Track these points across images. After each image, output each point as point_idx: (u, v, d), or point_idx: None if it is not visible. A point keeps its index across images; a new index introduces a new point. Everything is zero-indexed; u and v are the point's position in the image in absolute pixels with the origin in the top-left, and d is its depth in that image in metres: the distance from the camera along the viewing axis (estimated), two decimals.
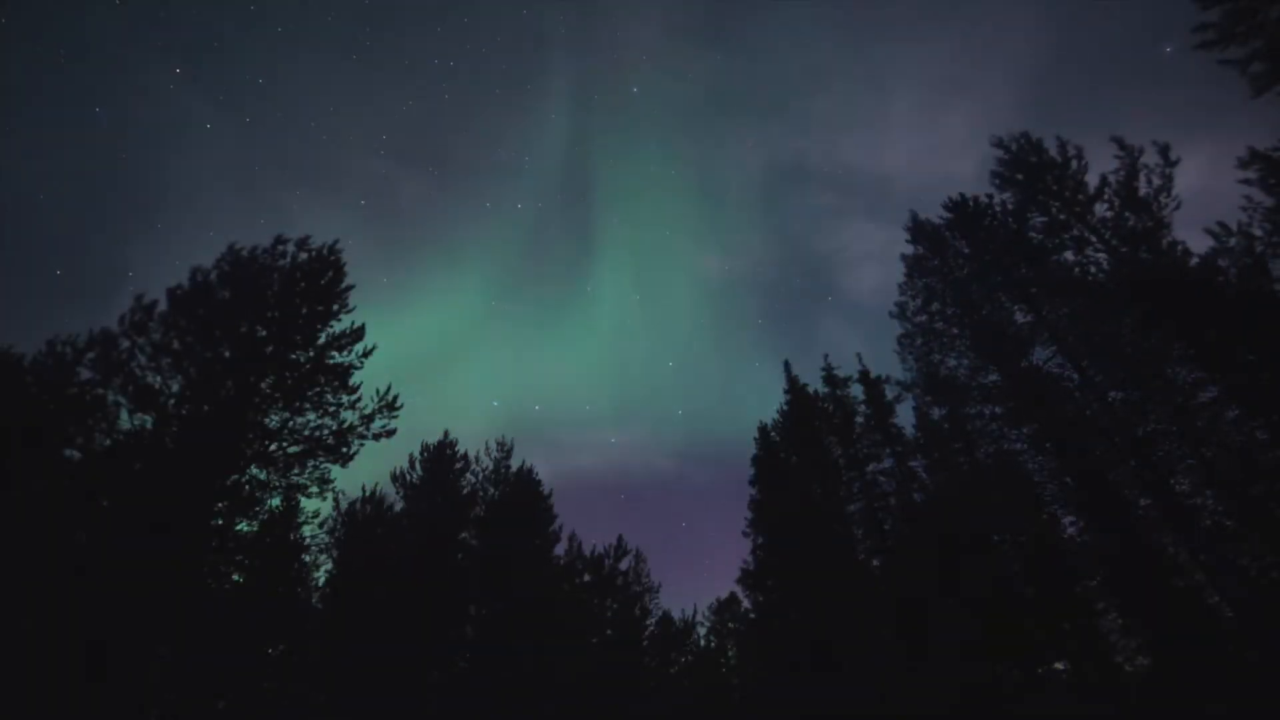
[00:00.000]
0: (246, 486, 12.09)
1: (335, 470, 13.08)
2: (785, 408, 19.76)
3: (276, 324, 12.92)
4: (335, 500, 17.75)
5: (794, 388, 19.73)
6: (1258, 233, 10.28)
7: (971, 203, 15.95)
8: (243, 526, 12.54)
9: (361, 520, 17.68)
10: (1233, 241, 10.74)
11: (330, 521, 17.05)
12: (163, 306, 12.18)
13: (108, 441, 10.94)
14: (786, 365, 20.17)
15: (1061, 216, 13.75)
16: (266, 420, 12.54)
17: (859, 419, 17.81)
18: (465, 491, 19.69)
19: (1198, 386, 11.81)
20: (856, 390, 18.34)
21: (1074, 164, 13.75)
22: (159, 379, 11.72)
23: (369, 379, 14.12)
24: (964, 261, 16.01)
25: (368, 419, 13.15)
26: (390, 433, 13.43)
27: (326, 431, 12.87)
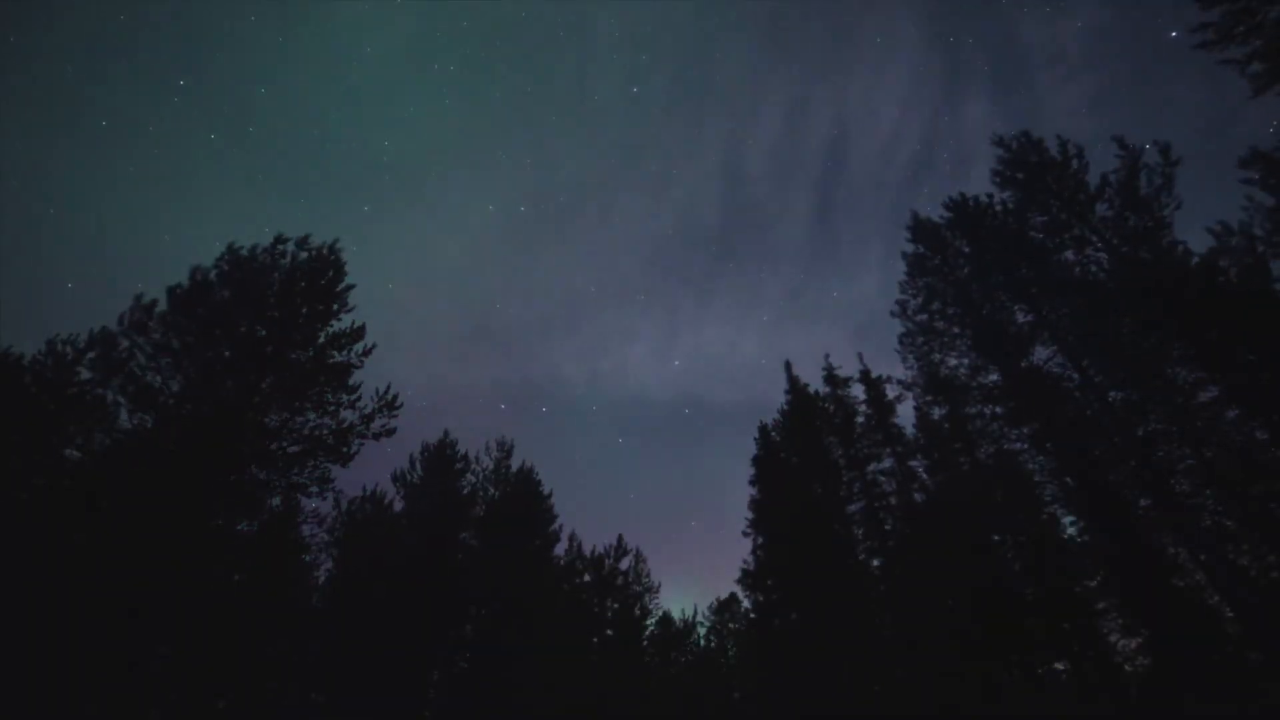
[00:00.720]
0: (246, 486, 12.08)
1: (335, 469, 13.07)
2: (786, 408, 19.75)
3: (276, 324, 12.91)
4: (335, 500, 17.75)
5: (795, 388, 19.72)
6: (1259, 232, 10.28)
7: (972, 202, 15.95)
8: (243, 526, 12.54)
9: (361, 520, 17.68)
10: (1234, 241, 10.74)
11: (330, 521, 17.05)
12: (162, 306, 12.18)
13: (108, 441, 10.93)
14: (787, 365, 20.18)
15: (1062, 216, 13.74)
16: (266, 420, 12.53)
17: (860, 419, 17.81)
18: (465, 492, 19.71)
19: (1198, 386, 11.80)
20: (857, 390, 18.36)
21: (1074, 163, 13.74)
22: (159, 379, 11.72)
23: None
24: (964, 261, 16.00)
25: (367, 418, 13.13)
26: (390, 432, 13.40)
27: (326, 431, 12.85)
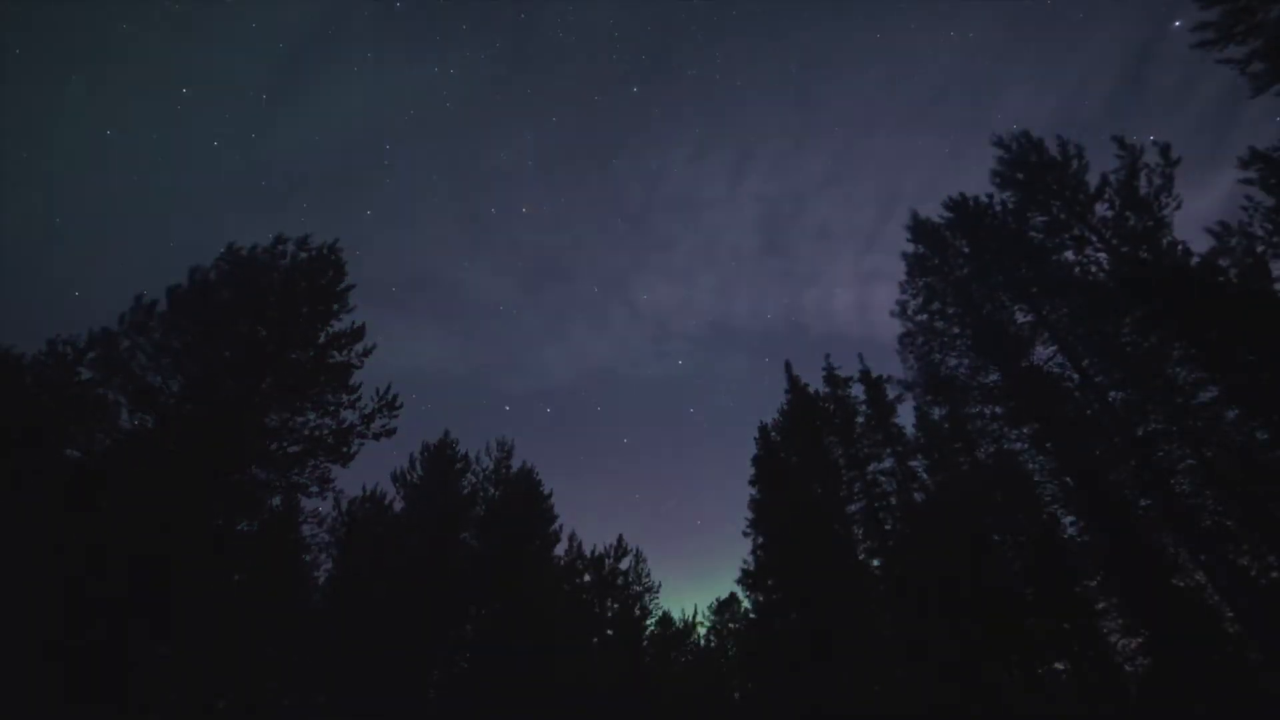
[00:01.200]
0: (246, 486, 12.08)
1: (335, 469, 13.08)
2: (786, 407, 19.75)
3: (276, 324, 12.91)
4: (335, 500, 17.74)
5: (795, 387, 19.72)
6: (1259, 232, 10.28)
7: (972, 202, 15.94)
8: (243, 526, 12.55)
9: (362, 520, 17.68)
10: (1234, 241, 10.74)
11: (330, 521, 17.05)
12: (163, 306, 12.18)
13: (108, 441, 10.94)
14: (788, 365, 20.17)
15: (1062, 216, 13.73)
16: (267, 420, 12.53)
17: (860, 419, 17.81)
18: (466, 492, 19.71)
19: (1198, 386, 11.79)
20: (858, 390, 18.36)
21: (1074, 163, 13.73)
22: (159, 379, 11.72)
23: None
24: (964, 261, 15.99)
25: (368, 418, 13.14)
26: (390, 432, 13.41)
27: (326, 431, 12.86)
